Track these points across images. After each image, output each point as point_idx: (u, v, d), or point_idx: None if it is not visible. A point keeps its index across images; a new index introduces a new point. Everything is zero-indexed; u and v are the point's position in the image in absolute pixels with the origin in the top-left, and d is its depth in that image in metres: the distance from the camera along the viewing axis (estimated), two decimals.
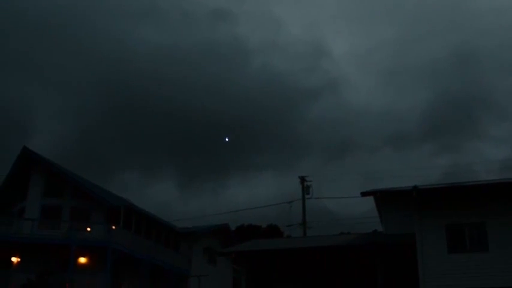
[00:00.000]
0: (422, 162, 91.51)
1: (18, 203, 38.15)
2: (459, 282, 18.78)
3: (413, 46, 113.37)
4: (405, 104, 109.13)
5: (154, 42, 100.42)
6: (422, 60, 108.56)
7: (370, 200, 23.33)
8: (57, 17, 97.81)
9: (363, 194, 22.17)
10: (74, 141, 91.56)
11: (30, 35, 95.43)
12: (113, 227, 34.71)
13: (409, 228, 20.41)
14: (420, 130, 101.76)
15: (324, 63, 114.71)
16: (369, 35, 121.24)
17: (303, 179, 43.14)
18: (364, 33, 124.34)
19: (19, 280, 30.99)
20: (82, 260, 34.65)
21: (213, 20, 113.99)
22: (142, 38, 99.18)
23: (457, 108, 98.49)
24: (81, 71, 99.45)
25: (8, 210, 38.46)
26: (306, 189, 42.79)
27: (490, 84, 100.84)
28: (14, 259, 34.81)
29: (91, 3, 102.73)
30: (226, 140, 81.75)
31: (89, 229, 35.14)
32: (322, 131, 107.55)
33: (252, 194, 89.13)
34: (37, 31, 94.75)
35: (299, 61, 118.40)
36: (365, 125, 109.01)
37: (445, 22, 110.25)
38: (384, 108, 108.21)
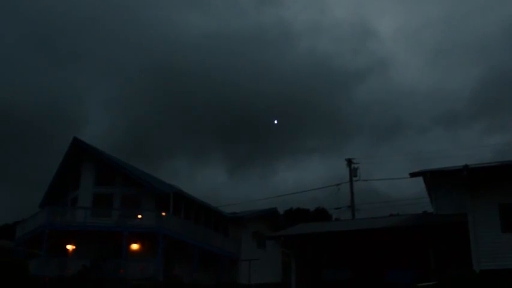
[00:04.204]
0: (474, 142, 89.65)
1: (71, 192, 39.13)
2: None
3: (462, 23, 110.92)
4: (455, 83, 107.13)
5: (201, 29, 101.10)
6: (472, 37, 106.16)
7: (420, 181, 22.99)
8: (105, 9, 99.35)
9: (412, 175, 21.84)
10: (124, 130, 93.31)
11: (79, 27, 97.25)
12: (163, 214, 35.23)
13: (461, 208, 20.05)
14: (471, 109, 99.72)
15: (371, 43, 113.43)
16: (416, 13, 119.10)
17: (350, 162, 42.82)
18: (411, 11, 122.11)
19: (75, 266, 31.84)
20: (134, 246, 35.36)
21: (259, 4, 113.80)
22: (189, 25, 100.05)
23: (508, 85, 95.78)
24: (130, 61, 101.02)
25: (61, 199, 39.50)
26: (353, 172, 42.51)
27: None
28: (69, 247, 35.79)
29: None
30: (275, 122, 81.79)
31: (139, 216, 35.78)
32: (370, 112, 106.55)
33: (300, 178, 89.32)
34: (86, 24, 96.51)
35: (345, 43, 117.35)
36: (414, 105, 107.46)
37: None
38: (433, 87, 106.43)
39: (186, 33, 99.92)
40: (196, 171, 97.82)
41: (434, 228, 21.41)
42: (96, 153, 38.84)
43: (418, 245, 21.69)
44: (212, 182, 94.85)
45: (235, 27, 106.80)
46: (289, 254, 25.86)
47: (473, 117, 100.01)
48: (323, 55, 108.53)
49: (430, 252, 21.04)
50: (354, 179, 42.49)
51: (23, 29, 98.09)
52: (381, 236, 23.05)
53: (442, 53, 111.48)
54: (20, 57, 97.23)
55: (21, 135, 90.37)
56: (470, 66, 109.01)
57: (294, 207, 65.56)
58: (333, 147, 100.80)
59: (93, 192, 37.72)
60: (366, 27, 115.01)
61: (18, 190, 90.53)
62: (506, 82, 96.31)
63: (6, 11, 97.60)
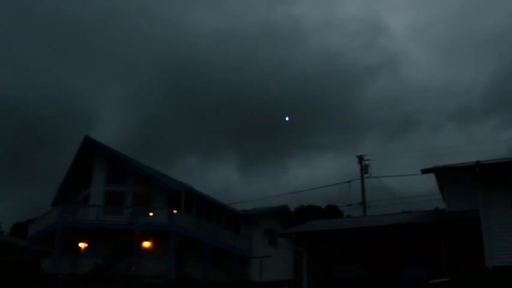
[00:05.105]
0: (487, 137, 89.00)
1: (83, 190, 39.33)
2: None
3: (474, 17, 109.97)
4: (468, 78, 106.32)
5: (212, 25, 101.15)
6: (485, 31, 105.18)
7: (432, 177, 22.91)
8: (115, 6, 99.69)
9: (424, 171, 21.78)
10: (136, 128, 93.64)
11: (91, 26, 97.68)
12: (175, 211, 35.32)
13: (473, 205, 19.94)
14: (484, 104, 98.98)
15: (382, 39, 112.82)
16: (428, 8, 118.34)
17: (361, 158, 42.72)
18: (422, 6, 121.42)
19: (87, 264, 32.04)
20: (146, 244, 35.48)
21: (269, 1, 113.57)
22: (200, 22, 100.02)
23: None
24: (141, 58, 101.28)
25: (74, 198, 39.70)
26: (364, 168, 42.39)
27: None
28: (82, 245, 35.97)
29: None
30: (287, 119, 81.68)
31: (151, 214, 35.92)
32: (382, 108, 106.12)
33: (311, 175, 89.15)
34: (98, 22, 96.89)
35: (356, 39, 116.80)
36: (426, 101, 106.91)
37: None
38: (445, 83, 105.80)
39: (197, 31, 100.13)
40: (207, 169, 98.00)
41: (446, 224, 21.33)
42: (108, 151, 39.02)
43: (430, 242, 21.60)
44: (224, 179, 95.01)
45: (246, 24, 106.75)
46: (301, 251, 25.82)
47: (486, 112, 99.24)
48: (334, 52, 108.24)
49: (442, 249, 20.96)
50: (365, 175, 42.41)
51: (35, 28, 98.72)
52: (393, 233, 22.97)
53: (455, 48, 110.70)
54: (31, 55, 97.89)
55: (33, 134, 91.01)
56: (483, 62, 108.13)
57: (305, 204, 65.46)
58: (346, 144, 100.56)
59: (105, 190, 37.89)
60: (377, 23, 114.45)
61: (30, 188, 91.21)
62: None
63: (19, 10, 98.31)
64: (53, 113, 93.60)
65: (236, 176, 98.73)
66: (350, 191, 43.11)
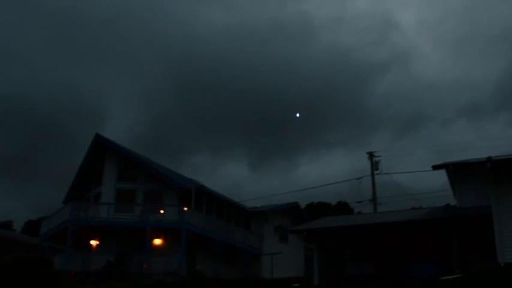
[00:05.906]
0: (498, 133, 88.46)
1: (94, 188, 39.51)
2: None
3: (485, 12, 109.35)
4: (478, 73, 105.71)
5: (222, 22, 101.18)
6: (495, 26, 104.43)
7: (443, 173, 22.79)
8: (124, 3, 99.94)
9: (434, 168, 21.65)
10: (146, 125, 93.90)
11: (101, 23, 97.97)
12: (185, 209, 35.41)
13: (485, 201, 19.84)
14: (495, 100, 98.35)
15: (393, 35, 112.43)
16: (438, 3, 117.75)
17: (371, 155, 42.61)
18: (433, 1, 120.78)
19: (99, 262, 32.20)
20: (157, 241, 35.60)
21: None
22: (210, 18, 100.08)
23: None
24: (151, 55, 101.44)
25: (85, 195, 39.88)
26: (374, 165, 42.29)
27: None
28: (93, 242, 36.13)
29: None
30: (297, 115, 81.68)
31: (162, 211, 36.04)
32: (392, 104, 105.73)
33: (322, 172, 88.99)
34: (106, 19, 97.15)
35: (367, 35, 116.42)
36: (437, 97, 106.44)
37: None
38: (456, 78, 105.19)
39: (207, 28, 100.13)
40: (217, 166, 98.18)
41: (457, 221, 21.23)
42: (119, 149, 39.16)
43: (441, 238, 21.53)
44: (234, 176, 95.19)
45: (256, 20, 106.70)
46: (312, 248, 25.82)
47: (497, 108, 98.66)
48: (344, 48, 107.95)
49: (453, 245, 20.87)
50: (376, 172, 42.31)
51: (45, 25, 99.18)
52: (404, 229, 22.91)
53: (465, 43, 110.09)
54: (42, 53, 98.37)
55: (44, 132, 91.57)
56: (493, 57, 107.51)
57: (315, 201, 65.39)
58: (356, 140, 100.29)
59: (116, 188, 38.07)
60: (387, 19, 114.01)
61: (41, 187, 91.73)
62: None
63: (30, 7, 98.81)
64: (62, 111, 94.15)
65: (246, 173, 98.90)
66: (360, 187, 43.06)
